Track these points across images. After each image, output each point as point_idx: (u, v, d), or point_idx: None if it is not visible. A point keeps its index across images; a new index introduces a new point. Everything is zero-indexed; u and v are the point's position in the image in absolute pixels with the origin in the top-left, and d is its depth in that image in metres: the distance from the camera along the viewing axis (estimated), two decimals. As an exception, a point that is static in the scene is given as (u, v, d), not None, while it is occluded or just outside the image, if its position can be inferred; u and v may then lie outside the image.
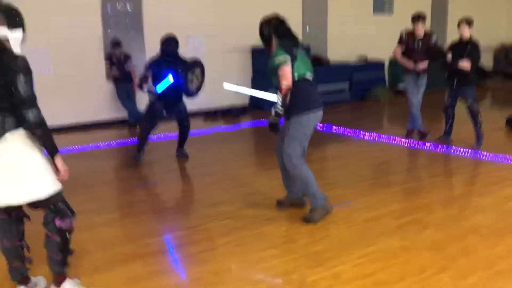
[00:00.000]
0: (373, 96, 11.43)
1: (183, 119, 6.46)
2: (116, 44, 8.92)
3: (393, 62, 12.57)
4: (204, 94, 10.66)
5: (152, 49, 9.47)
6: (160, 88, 6.12)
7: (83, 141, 7.86)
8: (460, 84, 6.71)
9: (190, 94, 6.12)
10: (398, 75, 12.39)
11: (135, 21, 9.42)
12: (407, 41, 7.15)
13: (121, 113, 9.22)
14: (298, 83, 4.00)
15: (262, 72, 10.33)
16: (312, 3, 11.41)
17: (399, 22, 12.52)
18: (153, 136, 7.51)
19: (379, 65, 12.08)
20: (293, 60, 3.97)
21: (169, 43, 6.17)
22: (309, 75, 4.09)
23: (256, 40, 11.22)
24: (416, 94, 7.26)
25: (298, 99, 4.01)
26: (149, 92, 6.18)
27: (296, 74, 4.00)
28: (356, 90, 11.46)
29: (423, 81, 7.24)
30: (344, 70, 11.36)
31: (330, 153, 6.98)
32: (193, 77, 6.07)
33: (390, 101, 11.32)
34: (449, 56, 6.67)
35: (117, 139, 8.00)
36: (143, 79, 6.14)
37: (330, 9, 11.70)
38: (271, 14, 4.22)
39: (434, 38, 7.11)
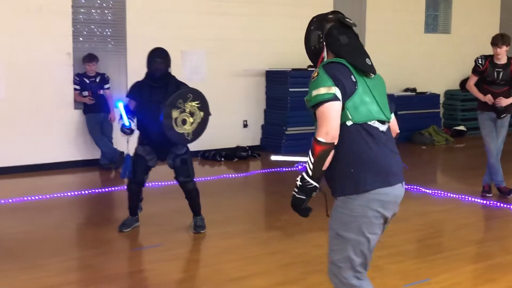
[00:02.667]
0: (425, 138, 11.55)
1: (179, 172, 5.85)
2: (90, 58, 8.98)
3: (450, 95, 12.78)
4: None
5: (135, 69, 9.58)
6: (126, 122, 5.70)
7: (41, 188, 7.76)
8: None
9: (175, 139, 5.54)
10: (456, 111, 12.58)
11: (116, 32, 9.51)
12: (485, 70, 7.25)
13: (92, 152, 9.19)
14: (352, 134, 3.11)
15: (279, 102, 10.49)
16: (345, 14, 11.56)
17: (458, 43, 12.89)
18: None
19: (431, 98, 12.26)
20: (347, 92, 3.09)
21: (154, 60, 5.67)
22: (377, 122, 3.14)
23: (273, 60, 11.36)
24: (495, 138, 7.32)
25: (349, 165, 3.13)
26: (122, 131, 5.79)
27: (350, 117, 3.10)
28: (402, 129, 11.52)
29: (505, 121, 7.32)
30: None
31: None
32: (181, 114, 5.48)
33: (447, 146, 11.41)
34: None
35: (86, 186, 7.94)
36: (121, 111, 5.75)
37: (368, 25, 11.94)
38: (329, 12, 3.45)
39: (519, 65, 7.22)
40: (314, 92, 3.07)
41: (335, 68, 3.12)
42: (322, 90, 3.04)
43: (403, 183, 3.20)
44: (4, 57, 8.54)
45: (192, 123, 5.52)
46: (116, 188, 7.85)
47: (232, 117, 10.45)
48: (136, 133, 5.94)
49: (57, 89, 8.97)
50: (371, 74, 3.20)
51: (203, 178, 8.17)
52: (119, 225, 5.99)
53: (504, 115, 7.22)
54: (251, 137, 10.64)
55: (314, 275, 4.80)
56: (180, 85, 5.74)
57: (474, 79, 7.45)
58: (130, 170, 5.92)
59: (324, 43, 3.26)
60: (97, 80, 9.06)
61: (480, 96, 7.33)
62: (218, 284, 4.70)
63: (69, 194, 7.52)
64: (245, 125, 10.66)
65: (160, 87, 5.68)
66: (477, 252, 5.62)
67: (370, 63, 3.22)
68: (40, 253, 5.30)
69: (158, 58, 5.66)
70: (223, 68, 10.32)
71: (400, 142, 11.29)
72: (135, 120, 5.81)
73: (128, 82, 9.60)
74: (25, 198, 7.21)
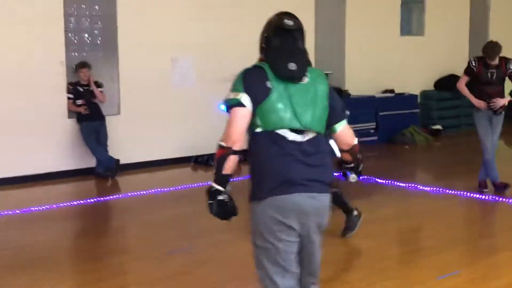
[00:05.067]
0: (406, 138, 11.84)
1: None
2: (82, 65, 8.98)
3: (425, 95, 13.16)
4: (193, 135, 11.01)
5: (127, 76, 9.63)
6: None
7: (36, 199, 7.72)
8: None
9: None
10: (432, 111, 12.96)
11: (107, 40, 9.52)
12: (478, 71, 7.54)
13: (86, 161, 9.17)
14: (260, 142, 3.09)
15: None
16: (326, 23, 11.81)
17: (431, 44, 13.30)
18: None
19: (409, 99, 12.61)
20: (257, 98, 3.04)
21: None
22: (289, 131, 3.06)
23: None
24: (490, 136, 7.62)
25: (255, 172, 3.13)
26: None
27: (259, 124, 3.07)
28: (384, 130, 11.90)
29: (500, 118, 7.64)
30: (368, 106, 11.80)
31: (394, 211, 7.14)
32: None
33: (428, 144, 11.81)
34: None
35: (82, 196, 7.92)
36: None
37: (348, 29, 12.19)
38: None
39: (510, 65, 7.54)
40: (226, 96, 3.13)
41: (252, 73, 3.12)
42: (231, 95, 3.09)
43: (315, 194, 3.07)
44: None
45: None
46: (114, 196, 7.96)
47: (225, 122, 10.49)
48: None
49: (51, 98, 8.91)
50: (296, 80, 3.09)
51: (196, 184, 8.26)
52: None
53: (501, 111, 7.54)
54: (244, 142, 10.73)
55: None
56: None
57: (465, 80, 7.73)
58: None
59: (263, 46, 3.23)
60: (91, 88, 9.05)
61: (471, 98, 7.58)
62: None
63: (65, 204, 7.49)
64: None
65: None
66: (493, 243, 5.91)
67: (293, 68, 3.06)
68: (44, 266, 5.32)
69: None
70: (212, 74, 10.31)
71: (381, 143, 11.64)
72: None
73: (120, 90, 9.65)
74: (19, 211, 7.10)
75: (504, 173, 7.87)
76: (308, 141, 3.08)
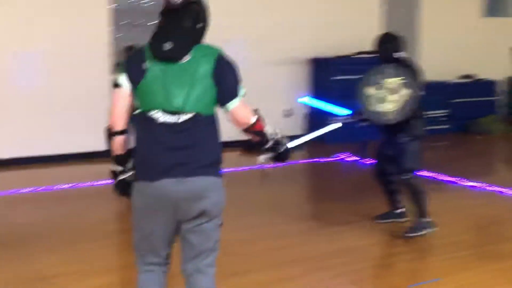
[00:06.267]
0: (481, 128, 11.12)
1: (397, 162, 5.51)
2: (130, 49, 8.98)
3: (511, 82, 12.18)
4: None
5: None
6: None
7: (77, 176, 7.87)
8: None
9: (372, 119, 5.45)
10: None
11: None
12: None
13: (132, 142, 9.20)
14: (137, 123, 3.10)
15: (323, 91, 10.23)
16: (398, 2, 11.26)
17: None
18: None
19: (489, 86, 11.78)
20: (134, 80, 3.03)
21: (378, 45, 5.51)
22: (161, 112, 3.00)
23: (317, 48, 11.07)
24: None
25: (135, 154, 3.14)
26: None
27: (138, 105, 3.07)
28: (457, 119, 11.22)
29: None
30: (441, 92, 11.11)
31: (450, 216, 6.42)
32: (379, 92, 5.32)
33: (506, 135, 10.99)
34: None
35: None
36: None
37: (423, 11, 11.53)
38: None
39: None
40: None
41: (133, 54, 3.18)
42: (116, 76, 3.14)
43: (182, 178, 2.97)
44: (43, 45, 8.64)
45: (393, 102, 5.18)
46: None
47: (273, 106, 10.25)
48: None
49: (95, 79, 9.02)
50: (173, 60, 3.00)
51: (235, 169, 8.07)
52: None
53: None
54: (293, 127, 10.42)
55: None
56: (408, 66, 5.34)
57: None
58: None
59: None
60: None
61: None
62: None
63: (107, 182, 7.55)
64: (287, 115, 10.45)
65: None
66: (505, 250, 5.25)
67: (168, 48, 2.98)
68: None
69: (382, 43, 5.46)
70: (265, 56, 10.12)
71: (454, 132, 10.94)
72: None
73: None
74: (64, 186, 7.33)
75: None
76: (182, 122, 3.00)
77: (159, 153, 3.00)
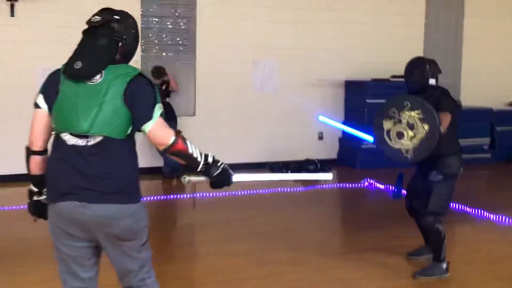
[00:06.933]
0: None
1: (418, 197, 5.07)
2: (158, 73, 8.88)
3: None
4: (269, 141, 10.37)
5: (203, 77, 9.44)
6: None
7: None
8: None
9: (391, 156, 4.96)
10: None
11: (186, 41, 9.40)
12: None
13: (156, 161, 9.06)
14: (53, 145, 3.07)
15: (357, 114, 9.91)
16: (440, 22, 10.90)
17: None
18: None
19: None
20: (49, 100, 3.00)
21: (408, 72, 5.05)
22: (69, 135, 2.94)
23: (352, 70, 10.82)
24: None
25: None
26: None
27: (54, 126, 3.03)
28: (502, 147, 10.78)
29: None
30: (483, 119, 10.75)
31: (456, 250, 5.87)
32: (396, 126, 4.83)
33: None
34: None
35: (148, 194, 7.75)
36: None
37: (466, 34, 11.15)
38: None
39: None
40: None
41: (52, 74, 3.06)
42: (36, 97, 3.05)
43: (87, 203, 2.90)
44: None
45: (412, 138, 4.73)
46: (177, 196, 8.05)
47: (306, 129, 10.00)
48: None
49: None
50: (84, 80, 2.92)
51: (261, 191, 8.08)
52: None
53: None
54: (326, 151, 10.08)
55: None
56: (442, 96, 4.86)
57: None
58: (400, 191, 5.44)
59: None
60: (163, 87, 8.94)
61: None
62: None
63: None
64: (320, 137, 10.14)
65: None
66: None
67: (78, 67, 2.92)
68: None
69: (412, 69, 5.02)
70: (297, 78, 9.95)
71: (497, 161, 10.40)
72: None
73: (196, 91, 9.48)
74: None
75: None
76: (92, 146, 2.93)
77: (64, 175, 2.94)
